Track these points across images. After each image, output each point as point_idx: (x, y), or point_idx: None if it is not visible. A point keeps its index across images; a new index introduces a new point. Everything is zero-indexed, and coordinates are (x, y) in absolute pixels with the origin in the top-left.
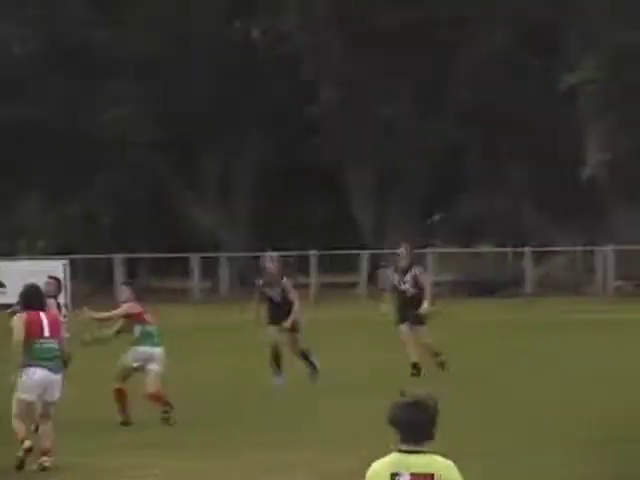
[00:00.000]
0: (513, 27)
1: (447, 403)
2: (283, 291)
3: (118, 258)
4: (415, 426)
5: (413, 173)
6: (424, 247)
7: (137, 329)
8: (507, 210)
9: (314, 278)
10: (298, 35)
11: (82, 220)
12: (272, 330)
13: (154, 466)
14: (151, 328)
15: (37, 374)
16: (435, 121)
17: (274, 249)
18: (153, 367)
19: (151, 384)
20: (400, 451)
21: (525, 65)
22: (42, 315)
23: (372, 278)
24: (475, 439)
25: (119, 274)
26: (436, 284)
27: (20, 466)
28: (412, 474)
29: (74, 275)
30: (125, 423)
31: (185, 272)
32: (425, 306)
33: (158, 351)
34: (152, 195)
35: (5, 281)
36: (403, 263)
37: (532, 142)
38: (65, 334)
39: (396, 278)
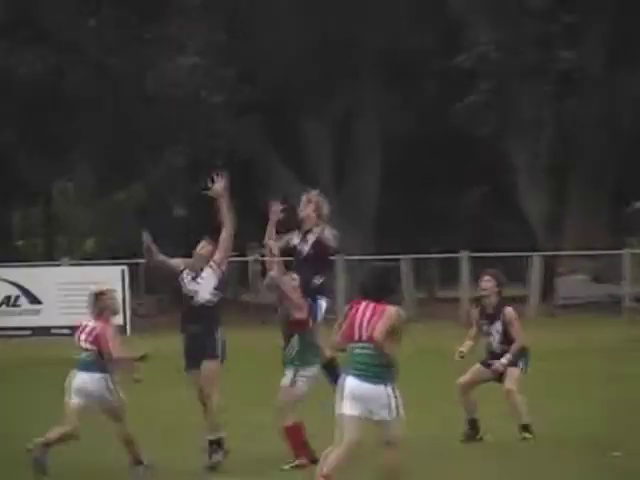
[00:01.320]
0: None
1: None
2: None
3: None
4: None
5: (602, 145)
6: (619, 247)
7: None
8: None
9: (465, 290)
10: None
11: (145, 211)
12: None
13: None
14: None
15: None
16: (630, 72)
17: (409, 252)
18: None
19: None
20: None
21: None
22: None
23: (547, 290)
24: None
25: None
26: (636, 299)
27: None
28: None
29: (135, 286)
30: None
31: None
32: (502, 361)
33: None
34: (241, 177)
35: (41, 295)
36: (488, 303)
37: None
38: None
39: (483, 325)
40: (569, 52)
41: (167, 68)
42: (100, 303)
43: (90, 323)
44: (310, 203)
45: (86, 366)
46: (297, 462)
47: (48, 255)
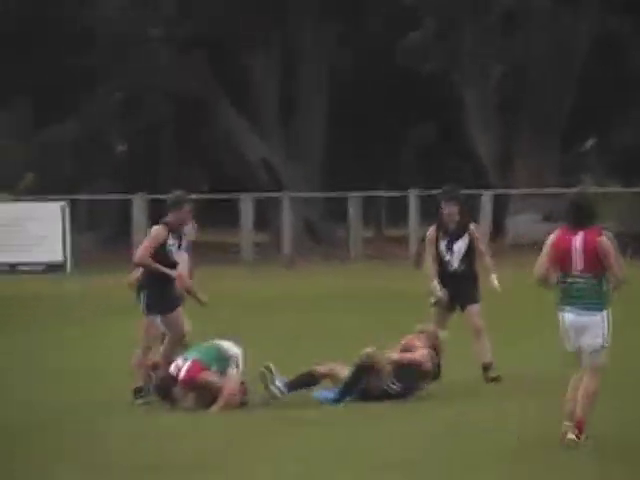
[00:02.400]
0: None
1: None
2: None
3: (138, 199)
4: None
5: (552, 82)
6: (569, 186)
7: None
8: None
9: (414, 227)
10: None
11: (84, 146)
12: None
13: None
14: None
15: None
16: (578, 8)
17: (356, 189)
18: None
19: None
20: None
21: None
22: None
23: (497, 229)
24: None
25: (140, 221)
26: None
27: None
28: None
29: (75, 222)
30: None
31: (234, 221)
32: (495, 281)
33: None
34: (184, 114)
35: None
36: (452, 226)
37: None
38: None
39: (442, 246)
40: None
41: (104, 1)
42: None
43: None
44: None
45: None
46: None
47: None
